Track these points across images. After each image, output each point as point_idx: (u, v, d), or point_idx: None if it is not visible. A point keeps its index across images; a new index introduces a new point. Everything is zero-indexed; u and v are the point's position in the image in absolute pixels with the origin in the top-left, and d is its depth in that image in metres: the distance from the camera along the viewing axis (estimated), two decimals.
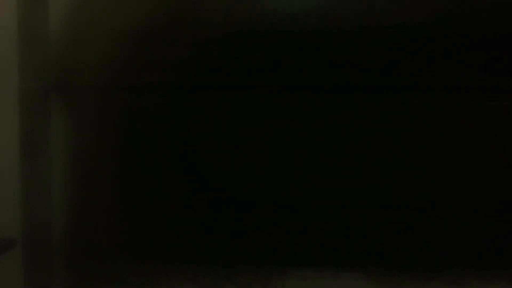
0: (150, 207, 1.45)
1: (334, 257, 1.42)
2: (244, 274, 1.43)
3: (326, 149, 1.41)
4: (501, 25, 1.38)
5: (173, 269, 1.45)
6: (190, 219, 1.44)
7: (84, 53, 1.44)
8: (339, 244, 1.42)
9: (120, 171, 1.45)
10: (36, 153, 1.45)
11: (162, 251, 1.45)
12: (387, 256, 1.41)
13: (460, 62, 1.39)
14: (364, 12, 1.39)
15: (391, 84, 1.40)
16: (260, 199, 1.43)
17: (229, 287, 1.42)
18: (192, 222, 1.44)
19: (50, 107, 1.45)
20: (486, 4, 1.38)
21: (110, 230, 1.45)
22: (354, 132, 1.41)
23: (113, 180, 1.45)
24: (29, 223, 1.45)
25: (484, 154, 1.40)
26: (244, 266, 1.42)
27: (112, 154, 1.45)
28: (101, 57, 1.43)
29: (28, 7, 1.43)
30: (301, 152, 1.42)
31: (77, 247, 1.46)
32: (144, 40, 1.43)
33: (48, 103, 1.45)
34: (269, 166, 1.43)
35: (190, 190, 1.44)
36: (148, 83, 1.43)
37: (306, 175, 1.42)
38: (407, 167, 1.41)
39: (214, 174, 1.44)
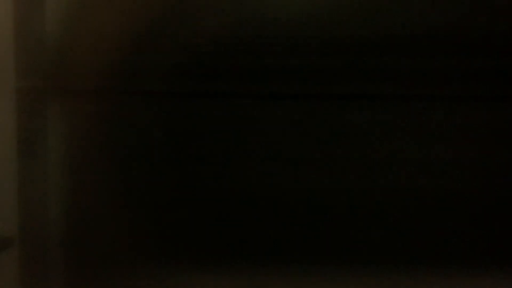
0: (147, 207, 1.45)
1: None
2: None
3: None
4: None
5: (171, 269, 1.45)
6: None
7: (81, 55, 1.44)
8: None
9: (117, 171, 1.45)
10: (33, 152, 1.45)
11: (160, 251, 1.45)
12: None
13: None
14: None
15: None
16: None
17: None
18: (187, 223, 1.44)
19: (47, 107, 1.45)
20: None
21: (106, 229, 1.45)
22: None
23: (110, 180, 1.45)
24: (26, 222, 1.46)
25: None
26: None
27: (108, 155, 1.45)
28: (97, 59, 1.44)
29: (25, 6, 1.44)
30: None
31: (74, 246, 1.47)
32: (142, 44, 1.43)
33: (45, 104, 1.45)
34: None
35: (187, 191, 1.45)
36: (146, 88, 1.43)
37: None
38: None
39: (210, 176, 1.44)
